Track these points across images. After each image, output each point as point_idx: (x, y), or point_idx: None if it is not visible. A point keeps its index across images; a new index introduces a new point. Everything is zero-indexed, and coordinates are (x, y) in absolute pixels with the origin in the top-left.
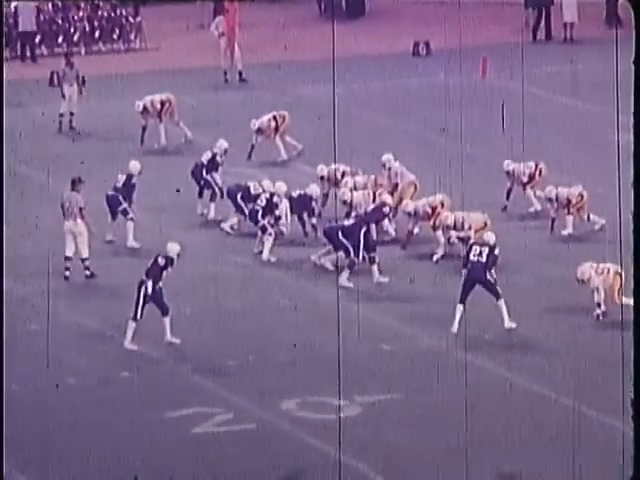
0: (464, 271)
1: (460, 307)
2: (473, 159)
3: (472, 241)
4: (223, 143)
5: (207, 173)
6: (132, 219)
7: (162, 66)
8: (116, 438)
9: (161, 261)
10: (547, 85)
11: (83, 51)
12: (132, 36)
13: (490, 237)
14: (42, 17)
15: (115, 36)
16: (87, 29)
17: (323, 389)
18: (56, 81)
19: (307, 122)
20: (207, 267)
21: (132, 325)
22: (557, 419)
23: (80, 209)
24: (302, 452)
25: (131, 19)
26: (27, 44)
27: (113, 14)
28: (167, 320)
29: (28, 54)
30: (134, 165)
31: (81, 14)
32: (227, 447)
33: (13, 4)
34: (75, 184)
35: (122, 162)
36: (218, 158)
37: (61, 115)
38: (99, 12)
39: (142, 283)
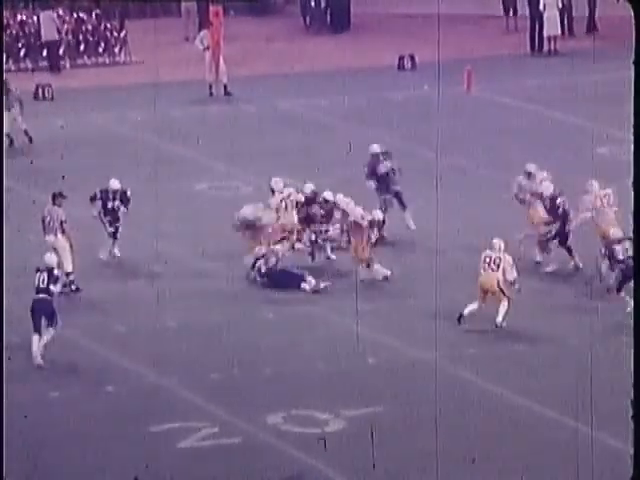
0: None
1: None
2: (458, 171)
3: None
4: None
5: None
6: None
7: (147, 79)
8: (100, 452)
9: (58, 272)
10: (531, 98)
11: (68, 64)
12: (117, 49)
13: None
14: (27, 30)
15: (100, 49)
16: (72, 42)
17: (309, 403)
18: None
19: (291, 135)
20: (192, 280)
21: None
22: (543, 430)
23: (61, 223)
24: (288, 466)
25: (116, 33)
26: (52, 53)
27: (98, 28)
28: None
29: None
30: (114, 182)
31: (66, 27)
32: (212, 461)
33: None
34: (56, 198)
35: (106, 175)
36: None
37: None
38: (84, 26)
39: (49, 300)
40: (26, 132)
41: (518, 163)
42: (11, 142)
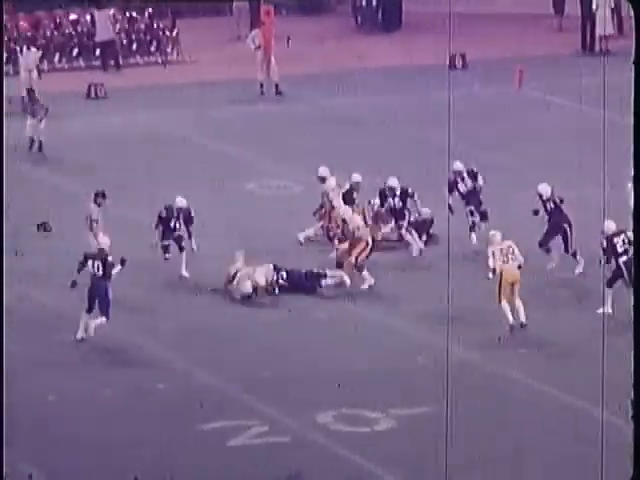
0: None
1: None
2: (508, 171)
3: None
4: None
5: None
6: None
7: (198, 78)
8: (151, 450)
9: (111, 259)
10: (583, 97)
11: (121, 63)
12: (169, 48)
13: None
14: (80, 29)
15: (152, 48)
16: (124, 41)
17: (358, 402)
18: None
19: (342, 134)
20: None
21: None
22: (592, 429)
23: (91, 221)
24: (337, 465)
25: (168, 32)
26: (106, 53)
27: (150, 27)
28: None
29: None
30: (181, 201)
31: (118, 27)
32: (262, 459)
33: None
34: (96, 197)
35: (156, 174)
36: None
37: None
38: (136, 25)
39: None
40: (40, 142)
41: (569, 163)
42: (31, 145)
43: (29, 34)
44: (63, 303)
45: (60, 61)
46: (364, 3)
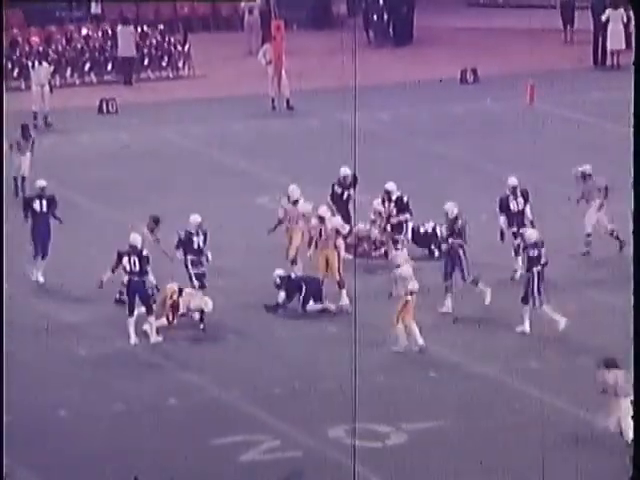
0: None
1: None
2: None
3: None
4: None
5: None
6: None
7: (210, 94)
8: (164, 465)
9: (146, 253)
10: (594, 111)
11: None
12: (180, 64)
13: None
14: (92, 44)
15: (164, 63)
16: (136, 56)
17: (370, 416)
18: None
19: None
20: (254, 294)
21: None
22: (612, 449)
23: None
24: (348, 479)
25: (179, 46)
26: (126, 69)
27: (162, 42)
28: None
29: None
30: (195, 218)
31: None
32: (274, 475)
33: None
34: (149, 222)
35: (168, 189)
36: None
37: (15, 179)
38: (148, 40)
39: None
40: (18, 180)
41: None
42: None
43: (41, 49)
44: (76, 317)
45: (72, 76)
46: (375, 17)
